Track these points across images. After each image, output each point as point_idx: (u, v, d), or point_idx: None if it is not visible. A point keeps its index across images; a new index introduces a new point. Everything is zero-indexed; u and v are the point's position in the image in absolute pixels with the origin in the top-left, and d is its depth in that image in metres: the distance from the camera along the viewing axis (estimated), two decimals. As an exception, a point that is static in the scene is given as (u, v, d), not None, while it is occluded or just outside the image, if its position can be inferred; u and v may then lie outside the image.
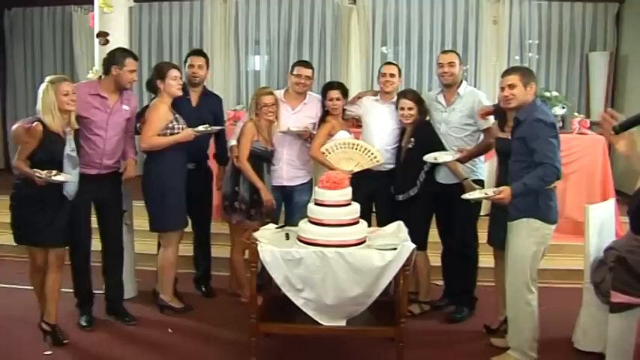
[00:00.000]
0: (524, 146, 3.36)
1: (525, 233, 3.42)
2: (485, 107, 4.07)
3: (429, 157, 4.03)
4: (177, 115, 4.18)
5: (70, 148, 3.71)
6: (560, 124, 6.15)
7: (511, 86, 3.43)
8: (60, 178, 3.62)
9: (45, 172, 3.56)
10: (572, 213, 5.45)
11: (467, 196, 3.69)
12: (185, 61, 4.69)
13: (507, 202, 3.36)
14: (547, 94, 6.32)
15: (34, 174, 3.54)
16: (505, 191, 3.33)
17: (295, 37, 8.15)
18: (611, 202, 4.14)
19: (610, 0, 7.70)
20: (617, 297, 3.05)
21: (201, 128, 4.19)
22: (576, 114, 6.35)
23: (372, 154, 4.28)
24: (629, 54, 7.51)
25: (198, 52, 4.75)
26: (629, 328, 2.83)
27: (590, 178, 5.78)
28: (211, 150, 4.80)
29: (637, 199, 1.74)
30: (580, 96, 7.75)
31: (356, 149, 4.29)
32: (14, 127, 3.77)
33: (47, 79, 3.77)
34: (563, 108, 6.32)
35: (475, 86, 6.77)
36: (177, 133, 4.14)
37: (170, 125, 4.12)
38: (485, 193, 3.62)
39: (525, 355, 3.52)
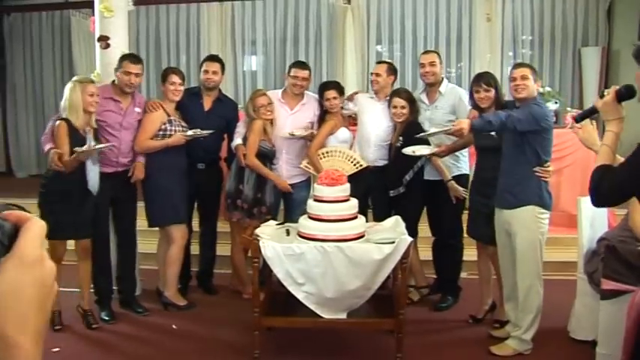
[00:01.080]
0: (522, 135, 3.47)
1: (532, 224, 3.53)
2: (472, 114, 4.10)
3: (408, 150, 4.12)
4: (172, 118, 4.32)
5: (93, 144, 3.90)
6: (554, 119, 6.23)
7: (524, 77, 3.54)
8: (101, 145, 3.90)
9: (85, 146, 3.77)
10: (566, 206, 5.53)
11: (429, 131, 3.98)
12: (200, 66, 4.79)
13: (464, 133, 3.58)
14: (540, 89, 6.39)
15: (76, 151, 3.74)
16: (461, 122, 3.54)
17: (291, 37, 8.23)
18: (604, 194, 4.22)
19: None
20: (608, 284, 3.15)
21: (190, 133, 4.30)
22: (569, 109, 6.45)
23: (354, 159, 4.40)
24: (620, 49, 7.58)
25: (213, 58, 4.82)
26: (619, 314, 2.91)
27: (584, 172, 5.82)
28: (223, 152, 4.88)
29: (593, 179, 2.01)
30: (573, 91, 7.82)
31: (338, 157, 4.41)
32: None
33: (74, 78, 4.01)
34: (556, 103, 6.41)
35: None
36: (170, 134, 4.28)
37: (163, 127, 4.28)
38: (443, 129, 3.80)
39: (523, 343, 3.63)
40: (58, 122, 3.85)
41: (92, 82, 4.01)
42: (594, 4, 7.77)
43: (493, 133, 3.77)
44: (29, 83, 8.89)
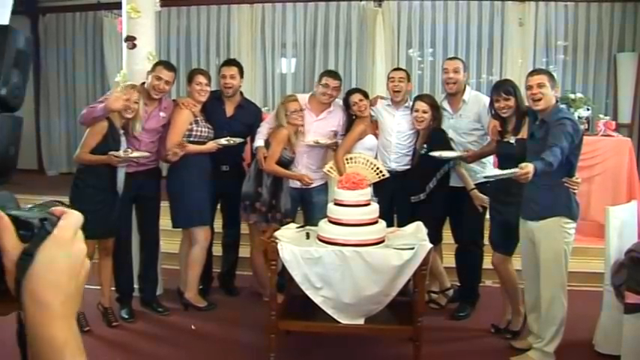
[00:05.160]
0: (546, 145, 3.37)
1: (557, 234, 3.43)
2: (492, 123, 3.98)
3: (435, 153, 4.08)
4: (198, 118, 4.33)
5: (124, 146, 4.00)
6: (585, 126, 6.09)
7: (540, 85, 3.42)
8: (136, 154, 3.96)
9: (120, 151, 3.86)
10: (596, 216, 5.38)
11: (490, 173, 3.72)
12: (219, 72, 4.76)
13: (527, 180, 3.16)
14: (571, 96, 6.26)
15: (111, 155, 3.82)
16: (529, 167, 3.12)
17: (321, 40, 8.20)
18: (634, 204, 4.11)
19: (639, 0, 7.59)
20: (632, 297, 3.04)
21: (223, 141, 4.31)
22: (601, 116, 6.29)
23: (377, 168, 4.35)
24: (658, 55, 7.39)
25: (231, 62, 4.79)
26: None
27: (615, 181, 5.71)
28: (246, 154, 4.88)
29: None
30: (607, 97, 7.64)
31: (362, 164, 4.37)
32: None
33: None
34: (588, 110, 6.25)
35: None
36: (196, 135, 4.31)
37: (189, 127, 4.28)
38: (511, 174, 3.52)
39: (546, 355, 3.53)
40: (101, 121, 3.90)
41: (134, 87, 4.06)
42: (631, 8, 7.57)
43: (512, 141, 3.68)
44: (62, 82, 9.05)
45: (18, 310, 0.67)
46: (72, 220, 0.71)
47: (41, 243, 0.68)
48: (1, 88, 0.73)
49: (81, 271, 0.70)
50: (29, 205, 0.74)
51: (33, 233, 0.68)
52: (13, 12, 0.86)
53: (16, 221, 0.69)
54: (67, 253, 0.69)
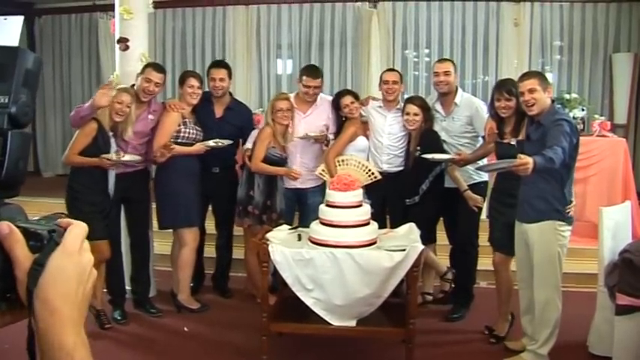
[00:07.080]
0: (544, 147, 3.35)
1: (551, 236, 3.42)
2: (489, 124, 3.97)
3: (427, 156, 4.08)
4: (187, 120, 4.32)
5: (114, 148, 3.99)
6: (581, 126, 6.08)
7: (531, 90, 3.38)
8: (127, 158, 3.94)
9: (112, 154, 3.84)
10: (592, 216, 5.34)
11: (484, 163, 3.79)
12: (207, 74, 4.73)
13: (528, 170, 3.07)
14: (567, 96, 6.25)
15: (103, 158, 3.81)
16: (527, 159, 3.04)
17: (316, 41, 8.19)
18: (627, 205, 4.09)
19: (635, 0, 7.57)
20: (623, 299, 3.03)
21: (211, 143, 4.29)
22: (596, 116, 6.27)
23: (369, 170, 4.34)
24: (654, 56, 7.38)
25: (219, 64, 4.78)
26: (636, 330, 2.81)
27: (611, 181, 5.70)
28: (238, 156, 4.85)
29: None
30: (603, 98, 7.63)
31: (354, 166, 4.35)
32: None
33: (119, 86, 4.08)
34: (583, 110, 6.23)
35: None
36: (184, 136, 4.29)
37: (178, 129, 4.28)
38: (508, 164, 3.31)
39: (540, 357, 3.52)
40: (90, 122, 3.89)
41: (127, 91, 4.03)
42: (627, 9, 7.56)
43: (514, 143, 3.66)
44: (57, 84, 9.04)
45: (29, 318, 0.71)
46: (78, 231, 0.75)
47: (51, 253, 0.72)
48: (11, 106, 0.76)
49: (88, 279, 0.75)
50: (36, 217, 0.78)
51: (42, 244, 0.72)
52: (9, 13, 0.87)
53: (26, 233, 0.73)
54: (75, 263, 0.73)
